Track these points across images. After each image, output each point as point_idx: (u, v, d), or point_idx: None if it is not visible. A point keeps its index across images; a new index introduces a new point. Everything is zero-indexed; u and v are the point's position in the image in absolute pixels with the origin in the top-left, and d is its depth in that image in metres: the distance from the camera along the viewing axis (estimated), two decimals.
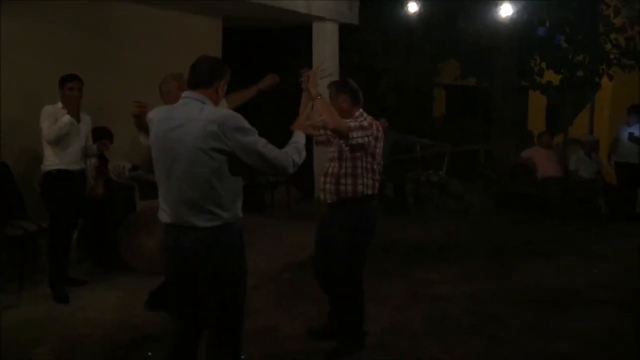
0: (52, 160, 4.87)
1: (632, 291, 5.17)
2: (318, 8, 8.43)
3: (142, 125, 3.82)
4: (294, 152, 2.90)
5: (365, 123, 3.66)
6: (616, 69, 10.16)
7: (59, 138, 4.79)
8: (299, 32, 9.85)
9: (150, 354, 3.75)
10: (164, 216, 2.80)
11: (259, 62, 10.11)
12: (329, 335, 3.99)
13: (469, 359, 3.90)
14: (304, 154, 2.95)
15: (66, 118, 4.77)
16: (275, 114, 10.38)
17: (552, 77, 10.57)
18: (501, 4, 7.80)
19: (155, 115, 2.87)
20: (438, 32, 10.19)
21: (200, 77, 2.81)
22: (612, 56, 10.02)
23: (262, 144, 2.74)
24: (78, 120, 4.90)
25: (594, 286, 5.31)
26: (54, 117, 4.79)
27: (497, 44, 9.64)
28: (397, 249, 6.48)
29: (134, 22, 7.39)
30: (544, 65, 10.41)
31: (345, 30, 9.20)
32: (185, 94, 2.82)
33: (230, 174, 2.72)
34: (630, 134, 8.17)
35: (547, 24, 10.03)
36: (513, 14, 7.97)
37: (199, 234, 2.70)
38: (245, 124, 2.73)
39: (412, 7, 8.35)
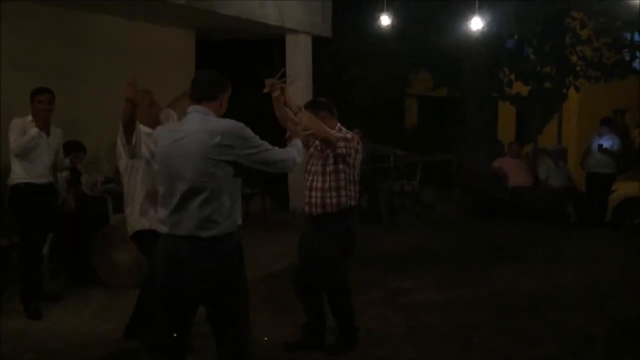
0: (19, 173, 4.77)
1: (602, 296, 5.28)
2: (291, 20, 8.50)
3: (129, 122, 3.67)
4: (294, 151, 3.03)
5: (348, 135, 3.87)
6: (583, 80, 10.44)
7: (26, 151, 4.70)
8: (273, 43, 9.92)
9: None
10: (162, 227, 2.82)
11: (232, 73, 10.14)
12: (305, 346, 4.06)
13: None
14: (302, 154, 3.08)
15: (34, 131, 4.68)
16: (248, 125, 10.40)
17: (521, 88, 10.81)
18: (471, 17, 7.96)
19: (160, 130, 3.00)
20: (410, 44, 10.35)
21: (204, 91, 2.89)
22: (578, 68, 10.30)
23: (265, 150, 2.84)
24: (48, 133, 4.80)
25: (565, 291, 5.42)
26: (22, 130, 4.71)
27: (468, 56, 9.83)
28: (372, 258, 6.52)
29: (108, 33, 7.38)
30: (512, 76, 10.65)
31: (318, 41, 9.29)
32: (191, 108, 2.88)
33: (232, 182, 2.78)
34: (599, 146, 8.38)
35: (516, 37, 10.27)
36: (483, 27, 8.14)
37: (199, 244, 2.72)
38: (248, 132, 2.80)
39: (385, 20, 8.45)
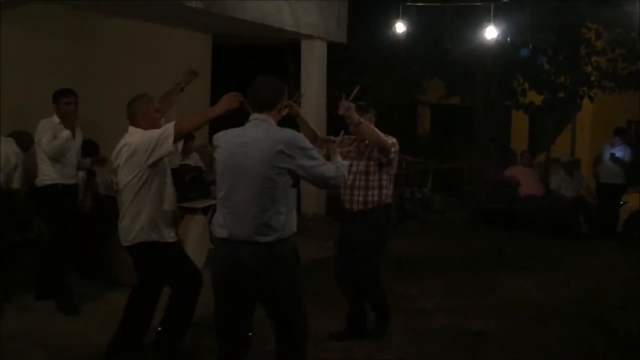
0: (50, 175, 4.85)
1: (607, 308, 5.30)
2: (306, 26, 8.59)
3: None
4: (343, 168, 3.11)
5: (394, 140, 4.12)
6: (597, 90, 10.42)
7: (60, 153, 4.80)
8: (288, 49, 10.00)
9: None
10: (222, 231, 2.90)
11: (247, 78, 10.25)
12: (349, 336, 4.37)
13: None
14: (346, 172, 3.16)
15: (66, 133, 4.77)
16: None
17: (534, 97, 10.81)
18: (486, 27, 8.00)
19: (223, 136, 3.01)
20: (424, 52, 10.39)
21: (266, 100, 2.98)
22: (592, 78, 10.28)
23: (322, 164, 2.94)
24: (74, 135, 4.92)
25: (570, 302, 5.44)
26: (52, 132, 4.78)
27: (481, 65, 9.85)
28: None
29: (125, 36, 7.50)
30: (526, 85, 10.65)
31: (332, 47, 9.37)
32: (253, 116, 2.98)
33: (289, 191, 2.90)
34: (611, 154, 8.37)
35: (530, 46, 10.27)
36: (498, 36, 8.17)
37: (257, 249, 2.82)
38: (308, 144, 2.92)
39: (400, 27, 8.52)
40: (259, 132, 2.89)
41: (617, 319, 4.99)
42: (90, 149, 5.99)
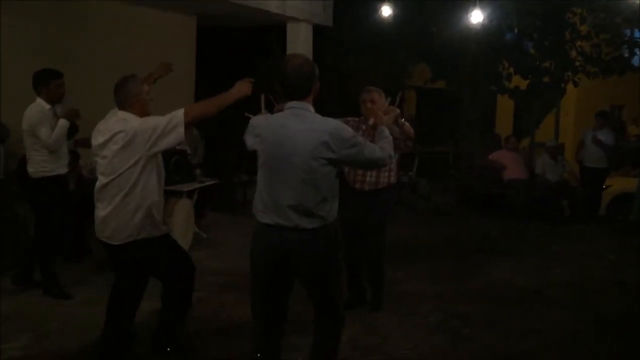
0: (48, 166, 4.64)
1: (590, 291, 5.38)
2: (292, 8, 8.51)
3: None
4: (388, 145, 3.07)
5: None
6: (581, 75, 10.48)
7: (61, 145, 4.66)
8: (273, 31, 9.91)
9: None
10: (266, 218, 2.91)
11: (232, 61, 10.15)
12: (350, 304, 4.58)
13: (434, 355, 4.03)
14: (393, 147, 3.12)
15: (64, 122, 4.61)
16: (248, 112, 10.42)
17: (520, 82, 10.85)
18: (472, 10, 7.98)
19: (264, 122, 2.99)
20: (410, 36, 10.36)
21: (302, 86, 2.91)
22: (577, 63, 10.33)
23: (367, 149, 2.91)
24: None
25: (553, 285, 5.51)
26: (48, 123, 4.56)
27: (467, 49, 9.84)
28: None
29: (108, 18, 7.39)
30: (512, 70, 10.68)
31: (318, 31, 9.30)
32: (292, 104, 2.92)
33: (333, 179, 2.91)
34: (594, 136, 8.40)
35: (516, 31, 10.28)
36: (483, 20, 8.16)
37: (302, 234, 2.86)
38: (350, 132, 2.92)
39: (386, 11, 8.47)
40: (303, 122, 2.86)
41: (600, 302, 5.06)
42: (70, 130, 5.91)
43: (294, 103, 2.92)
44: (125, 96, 3.39)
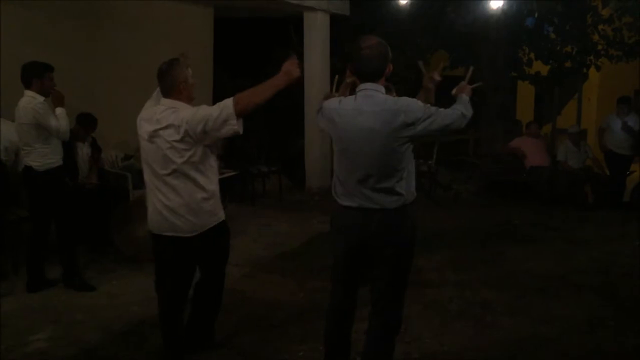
0: (52, 157, 4.67)
1: (614, 277, 5.30)
2: None
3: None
4: (462, 107, 3.06)
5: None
6: (604, 59, 10.29)
7: (68, 133, 4.72)
8: (290, 21, 9.89)
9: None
10: (346, 200, 2.98)
11: (250, 51, 10.15)
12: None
13: (456, 342, 4.01)
14: (471, 109, 3.09)
15: (62, 111, 4.66)
16: (265, 103, 10.44)
17: (540, 67, 10.69)
18: None
19: (336, 105, 2.98)
20: (428, 23, 10.25)
21: (376, 69, 2.92)
22: (599, 47, 10.14)
23: (438, 116, 2.89)
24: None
25: (577, 272, 5.44)
26: (52, 113, 4.59)
27: (487, 35, 9.72)
28: None
29: (125, 9, 7.42)
30: (532, 55, 10.52)
31: (335, 20, 9.26)
32: (365, 85, 2.93)
33: (410, 156, 2.94)
34: (624, 123, 8.22)
35: (536, 15, 10.12)
36: (503, 4, 8.05)
37: (386, 215, 2.92)
38: (421, 105, 2.89)
39: None
40: (377, 104, 2.88)
41: (625, 288, 4.99)
42: (88, 121, 5.98)
43: (367, 85, 2.93)
44: (173, 82, 3.21)
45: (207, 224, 3.30)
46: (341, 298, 3.18)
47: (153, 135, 3.17)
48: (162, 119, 3.14)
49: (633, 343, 4.01)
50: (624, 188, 8.35)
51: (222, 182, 7.14)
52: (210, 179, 3.30)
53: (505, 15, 8.86)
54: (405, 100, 2.91)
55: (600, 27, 10.02)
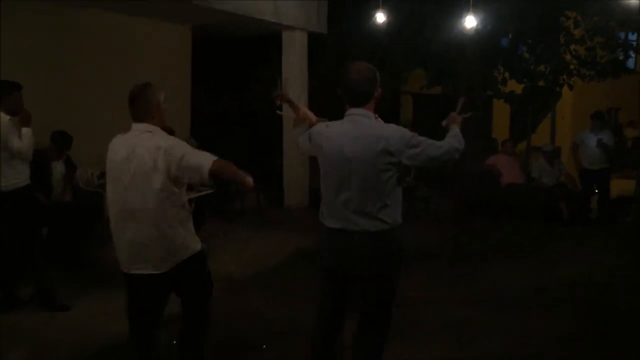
0: (18, 177, 4.53)
1: (592, 292, 5.35)
2: (286, 17, 8.54)
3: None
4: (454, 140, 3.07)
5: None
6: (576, 79, 10.50)
7: (31, 153, 4.56)
8: (269, 40, 9.93)
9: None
10: (330, 222, 3.02)
11: (228, 70, 10.16)
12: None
13: None
14: (463, 142, 3.11)
15: (29, 130, 4.50)
16: (244, 122, 10.43)
17: (515, 86, 10.88)
18: (465, 16, 8.01)
19: (323, 129, 3.07)
20: (405, 42, 10.38)
21: (363, 93, 2.96)
22: (572, 66, 10.36)
23: (428, 146, 2.91)
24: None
25: (555, 287, 5.49)
26: (14, 132, 4.43)
27: (462, 54, 9.86)
28: None
29: (103, 29, 7.39)
30: (507, 75, 10.70)
31: (313, 38, 9.32)
32: (352, 110, 2.97)
33: (395, 183, 2.94)
34: (599, 140, 8.27)
35: (510, 35, 10.31)
36: (477, 25, 8.19)
37: (366, 237, 2.93)
38: (409, 134, 2.90)
39: (380, 18, 8.50)
40: (361, 129, 2.91)
41: (601, 304, 5.04)
42: (63, 139, 5.91)
43: (353, 110, 2.97)
44: (146, 106, 3.08)
45: (187, 254, 3.23)
46: (327, 319, 3.19)
47: (126, 161, 3.05)
48: (139, 143, 3.03)
49: (611, 357, 4.04)
50: (607, 203, 8.38)
51: (200, 200, 7.12)
52: (177, 213, 3.19)
53: (479, 35, 9.01)
54: (390, 128, 2.92)
55: (572, 47, 10.25)
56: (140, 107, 3.10)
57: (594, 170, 8.39)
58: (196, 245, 3.25)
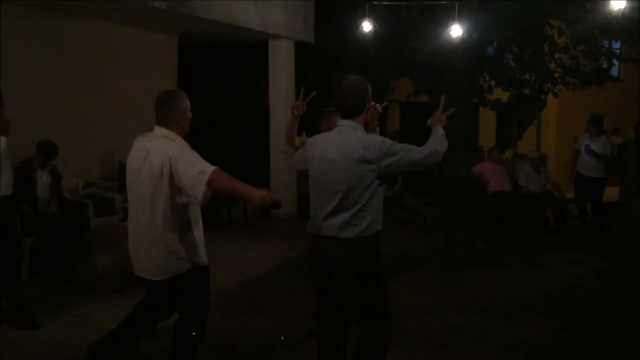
0: None
1: (579, 301, 5.38)
2: (273, 26, 8.55)
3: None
4: (435, 143, 3.18)
5: None
6: (561, 87, 10.61)
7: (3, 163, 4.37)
8: (255, 48, 9.95)
9: None
10: (312, 228, 3.10)
11: (215, 78, 10.15)
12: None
13: None
14: (445, 143, 3.20)
15: (4, 140, 4.36)
16: (233, 129, 10.42)
17: (501, 94, 10.97)
18: (451, 25, 8.07)
19: (312, 140, 3.22)
20: (392, 51, 10.44)
21: (353, 106, 3.06)
22: (556, 75, 10.47)
23: (406, 152, 2.99)
24: None
25: (542, 296, 5.51)
26: None
27: (448, 63, 9.93)
28: None
29: (89, 37, 7.37)
30: (493, 83, 10.79)
31: (300, 47, 9.34)
32: (341, 122, 3.08)
33: (375, 191, 3.01)
34: (587, 147, 8.17)
35: (495, 44, 10.40)
36: (463, 34, 8.26)
37: (340, 243, 2.99)
38: (388, 142, 2.99)
39: (367, 27, 8.54)
40: (344, 138, 3.01)
41: (588, 311, 5.07)
42: (49, 149, 5.85)
43: (342, 122, 3.08)
44: (171, 111, 3.14)
45: (179, 270, 3.27)
46: (327, 326, 3.23)
47: (141, 166, 3.11)
48: (154, 148, 3.07)
49: None
50: (599, 213, 8.38)
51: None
52: (180, 226, 3.24)
53: (465, 44, 9.08)
54: (370, 138, 3.03)
55: (557, 55, 10.37)
56: (164, 112, 3.16)
57: (586, 177, 8.26)
58: (197, 259, 3.26)
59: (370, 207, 3.01)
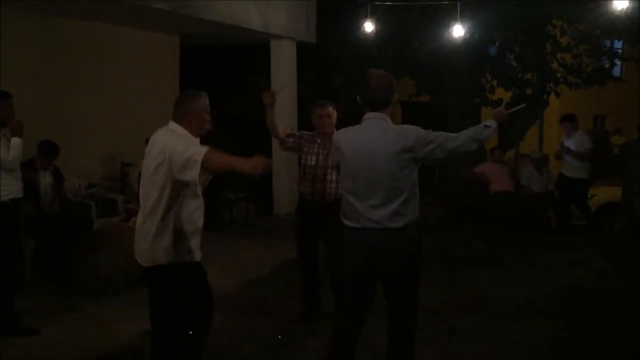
0: (9, 189, 4.37)
1: (579, 301, 5.38)
2: (275, 26, 8.56)
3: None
4: (473, 131, 3.19)
5: None
6: (563, 86, 10.60)
7: (17, 163, 4.43)
8: (257, 49, 9.96)
9: None
10: (353, 222, 3.14)
11: (217, 78, 10.16)
12: (315, 314, 4.68)
13: None
14: (486, 133, 3.21)
15: (18, 141, 4.39)
16: (232, 130, 10.43)
17: (502, 94, 10.96)
18: (453, 25, 8.07)
19: (344, 134, 3.26)
20: (393, 51, 10.44)
21: (383, 99, 3.16)
22: (558, 74, 10.46)
23: (444, 140, 3.07)
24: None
25: (543, 296, 5.50)
26: (2, 142, 4.35)
27: (450, 63, 9.93)
28: None
29: (92, 39, 7.39)
30: (494, 82, 10.79)
31: (302, 48, 9.35)
32: (370, 114, 3.17)
33: (414, 179, 3.11)
34: (562, 144, 8.01)
35: (497, 44, 10.40)
36: (464, 34, 8.26)
37: (389, 234, 3.06)
38: (423, 132, 3.09)
39: (369, 27, 8.55)
40: (380, 130, 3.11)
41: (589, 312, 5.07)
42: (50, 150, 5.85)
43: (371, 114, 3.16)
44: (185, 111, 3.21)
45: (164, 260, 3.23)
46: (345, 320, 3.29)
47: (159, 153, 3.12)
48: (158, 139, 3.17)
49: None
50: (587, 213, 8.32)
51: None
52: (177, 218, 3.24)
53: (466, 44, 9.08)
54: (405, 127, 3.13)
55: (559, 55, 10.36)
56: (180, 110, 3.26)
57: (569, 177, 8.06)
58: (183, 254, 3.19)
59: (413, 195, 3.10)
